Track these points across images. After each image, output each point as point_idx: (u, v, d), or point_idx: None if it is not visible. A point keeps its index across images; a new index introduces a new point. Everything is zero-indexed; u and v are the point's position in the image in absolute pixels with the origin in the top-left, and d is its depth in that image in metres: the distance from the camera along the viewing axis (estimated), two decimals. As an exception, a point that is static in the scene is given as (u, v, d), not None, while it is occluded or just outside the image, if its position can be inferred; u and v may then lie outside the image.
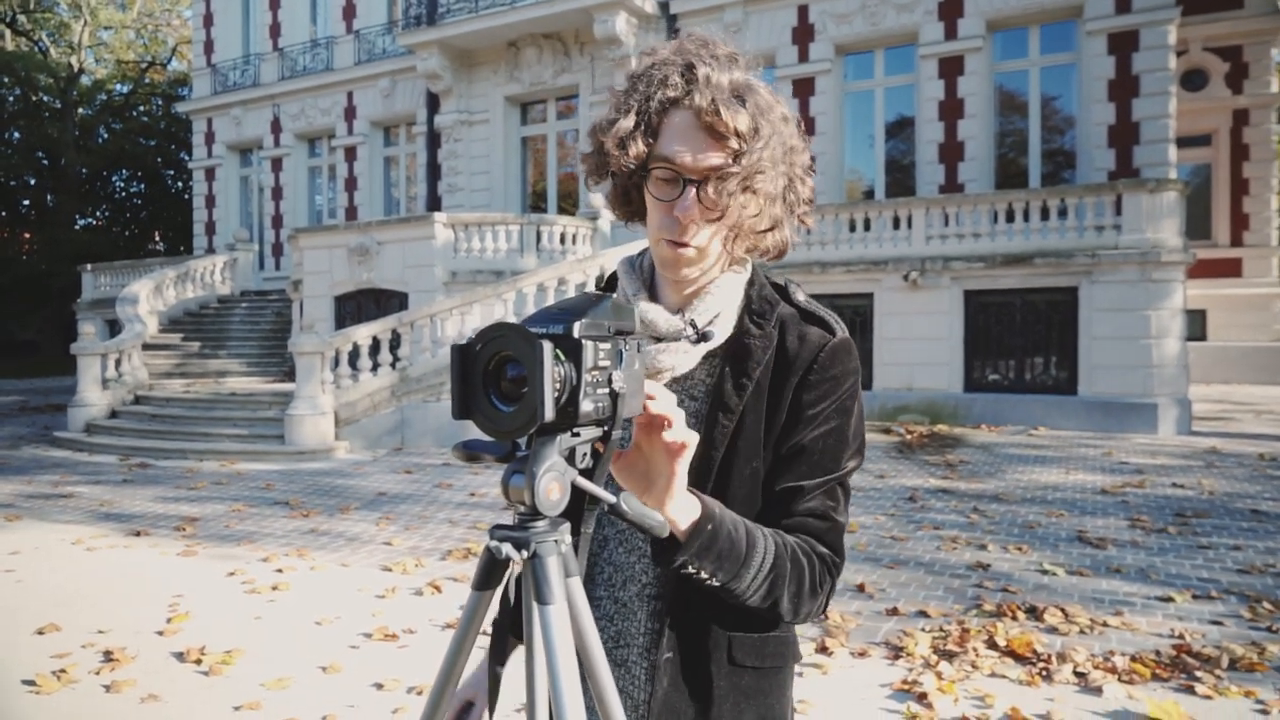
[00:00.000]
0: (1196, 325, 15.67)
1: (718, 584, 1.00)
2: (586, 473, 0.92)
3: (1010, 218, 11.00)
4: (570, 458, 0.89)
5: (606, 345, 0.88)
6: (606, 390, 0.88)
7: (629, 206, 1.15)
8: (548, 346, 0.80)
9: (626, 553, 1.14)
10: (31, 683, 3.63)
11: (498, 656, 0.97)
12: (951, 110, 12.94)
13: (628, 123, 1.05)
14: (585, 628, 0.91)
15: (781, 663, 1.16)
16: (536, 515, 0.87)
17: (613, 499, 0.90)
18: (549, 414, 0.81)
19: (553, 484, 0.85)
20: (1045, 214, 10.81)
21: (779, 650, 1.15)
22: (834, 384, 1.10)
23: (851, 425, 1.12)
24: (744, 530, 1.02)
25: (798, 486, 1.09)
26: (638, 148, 1.06)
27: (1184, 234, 10.31)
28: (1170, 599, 4.40)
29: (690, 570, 0.98)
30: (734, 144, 1.01)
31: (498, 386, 0.85)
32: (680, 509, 0.97)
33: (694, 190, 1.03)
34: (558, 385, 0.83)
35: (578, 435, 0.89)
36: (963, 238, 11.12)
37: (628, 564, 1.14)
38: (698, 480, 1.07)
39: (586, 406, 0.85)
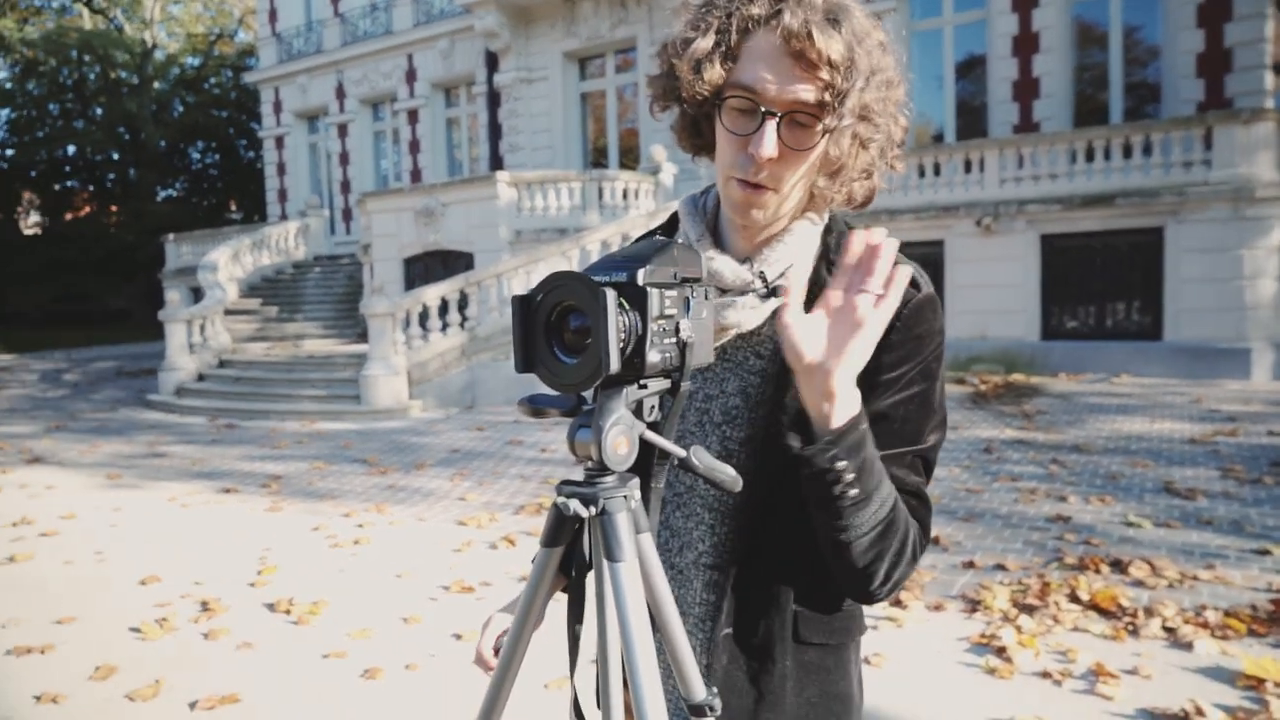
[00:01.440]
0: (1295, 264, 14.78)
1: (851, 497, 0.91)
2: (655, 426, 0.90)
3: (1090, 157, 10.48)
4: (638, 410, 0.87)
5: (673, 293, 0.84)
6: (674, 340, 0.85)
7: (699, 139, 1.05)
8: (611, 295, 0.77)
9: (684, 518, 1.08)
10: (137, 630, 3.85)
11: (575, 615, 0.95)
12: (1026, 45, 12.33)
13: (705, 43, 0.94)
14: (657, 584, 0.90)
15: (848, 638, 1.09)
16: (604, 470, 0.85)
17: (683, 453, 0.87)
18: (614, 365, 0.78)
19: (620, 438, 0.83)
20: (1128, 152, 10.27)
21: (846, 625, 1.08)
22: (918, 344, 0.98)
23: (936, 393, 1.01)
24: (879, 459, 0.94)
25: None
26: (715, 72, 0.94)
27: (1282, 167, 9.69)
28: (1267, 552, 4.21)
29: (838, 465, 0.89)
30: (825, 74, 0.89)
31: (560, 338, 0.82)
32: (847, 388, 0.89)
33: (774, 124, 0.92)
34: (623, 335, 0.80)
35: (645, 387, 0.86)
36: (1039, 179, 10.66)
37: (685, 529, 1.08)
38: (767, 447, 1.01)
39: (653, 357, 0.82)
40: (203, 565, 4.76)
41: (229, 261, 15.67)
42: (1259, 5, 10.78)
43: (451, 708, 3.08)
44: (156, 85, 31.64)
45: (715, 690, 0.97)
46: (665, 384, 0.89)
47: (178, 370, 12.08)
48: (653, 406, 0.89)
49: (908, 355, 0.99)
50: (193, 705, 3.13)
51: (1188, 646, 3.23)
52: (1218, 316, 9.59)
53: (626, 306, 0.81)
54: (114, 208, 32.23)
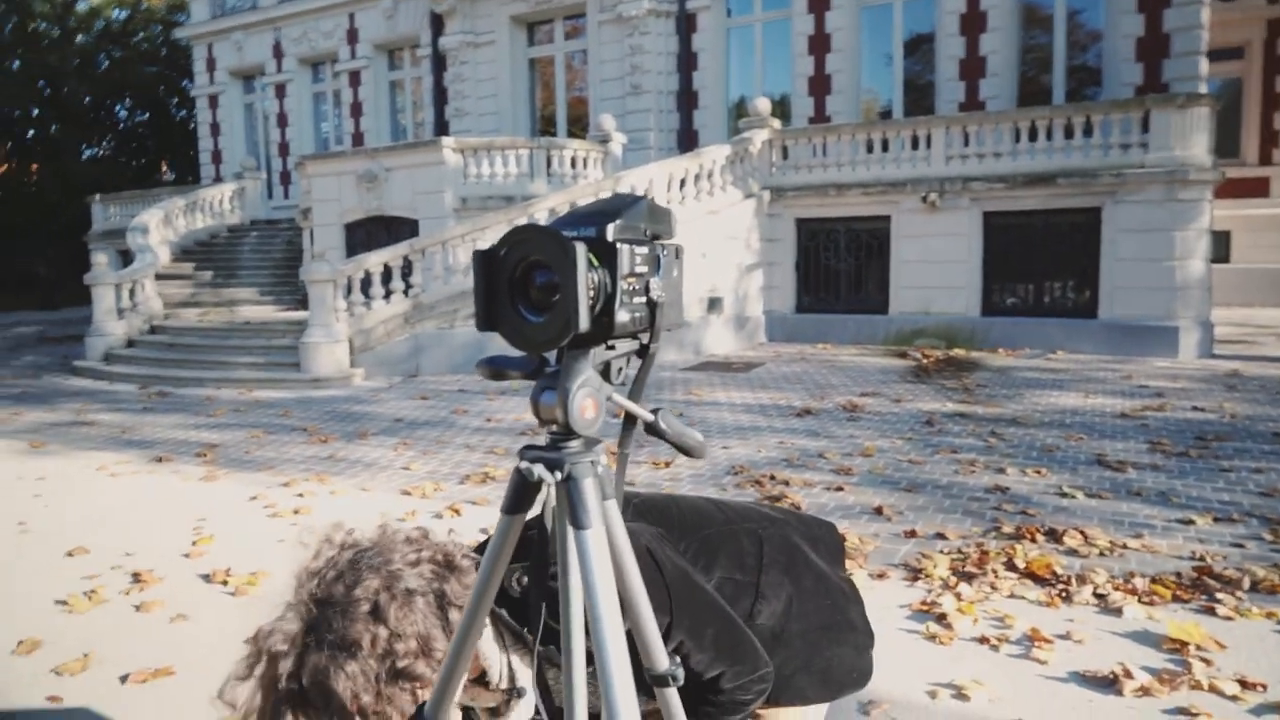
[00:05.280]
0: (1221, 247, 15.33)
1: None
2: (621, 389, 0.86)
3: (1033, 136, 10.68)
4: (605, 372, 0.83)
5: (643, 250, 0.80)
6: (644, 299, 0.81)
7: None
8: (581, 249, 0.73)
9: None
10: (64, 602, 3.70)
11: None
12: (973, 24, 12.47)
13: None
14: (622, 553, 0.87)
15: None
16: (570, 434, 0.81)
17: (650, 416, 0.84)
18: (584, 324, 0.74)
19: (587, 401, 0.79)
20: (1069, 132, 10.48)
21: None
22: None
23: None
24: None
25: None
26: None
27: (1213, 152, 10.00)
28: (1191, 521, 4.38)
29: None
30: None
31: (526, 295, 0.78)
32: None
33: None
34: (592, 293, 0.76)
35: (612, 348, 0.83)
36: (983, 158, 10.84)
37: None
38: None
39: (622, 317, 0.78)
40: (134, 536, 4.60)
41: (160, 224, 15.08)
42: (1196, -8, 11.07)
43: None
44: (79, 38, 30.09)
45: (678, 660, 0.95)
46: (633, 345, 0.85)
47: (106, 336, 11.63)
48: (620, 369, 0.86)
49: None
50: (124, 679, 3.02)
51: (1117, 612, 3.35)
52: (1149, 295, 9.91)
53: (595, 263, 0.77)
54: (34, 166, 30.70)
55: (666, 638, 1.06)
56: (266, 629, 1.10)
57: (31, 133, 31.04)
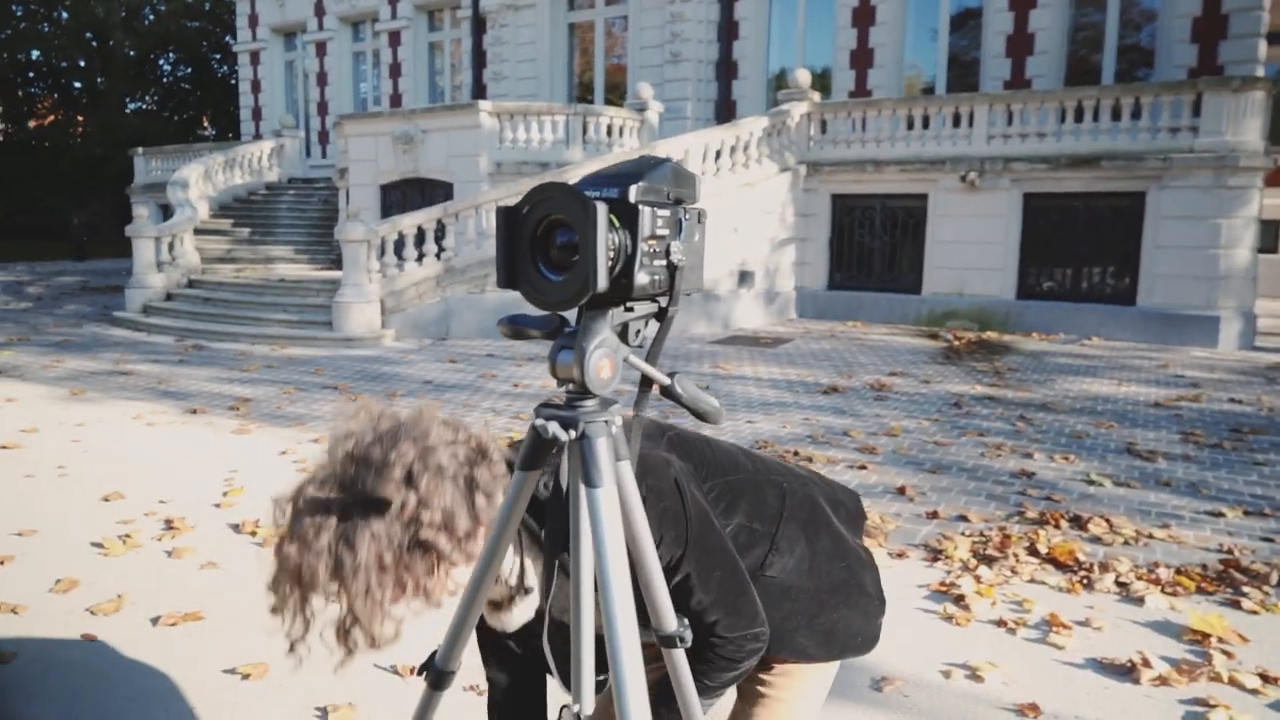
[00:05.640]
0: (1269, 236, 14.92)
1: None
2: (639, 351, 0.87)
3: (1079, 117, 10.42)
4: (623, 334, 0.84)
5: (665, 213, 0.80)
6: (664, 262, 0.81)
7: None
8: (602, 210, 0.73)
9: None
10: (99, 545, 3.81)
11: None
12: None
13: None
14: (634, 513, 0.88)
15: None
16: (586, 394, 0.82)
17: (666, 380, 0.84)
18: (602, 284, 0.75)
19: (604, 361, 0.80)
20: (1117, 114, 10.21)
21: None
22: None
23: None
24: None
25: None
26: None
27: (1267, 138, 9.70)
28: (1220, 514, 4.31)
29: None
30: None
31: (546, 254, 0.78)
32: None
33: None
34: (611, 254, 0.76)
35: (631, 310, 0.83)
36: (1026, 137, 10.60)
37: None
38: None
39: (642, 279, 0.79)
40: (168, 484, 4.72)
41: (200, 179, 15.25)
42: (1259, -29, 10.68)
43: (413, 628, 3.09)
44: (126, -10, 30.35)
45: (686, 622, 0.96)
46: (652, 308, 0.86)
47: (145, 288, 11.84)
48: (638, 331, 0.86)
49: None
50: (155, 621, 3.12)
51: (1139, 601, 3.32)
52: (1191, 284, 9.69)
53: (616, 224, 0.77)
54: (80, 117, 31.17)
55: (676, 568, 1.09)
56: (300, 483, 1.12)
57: (78, 84, 31.48)
